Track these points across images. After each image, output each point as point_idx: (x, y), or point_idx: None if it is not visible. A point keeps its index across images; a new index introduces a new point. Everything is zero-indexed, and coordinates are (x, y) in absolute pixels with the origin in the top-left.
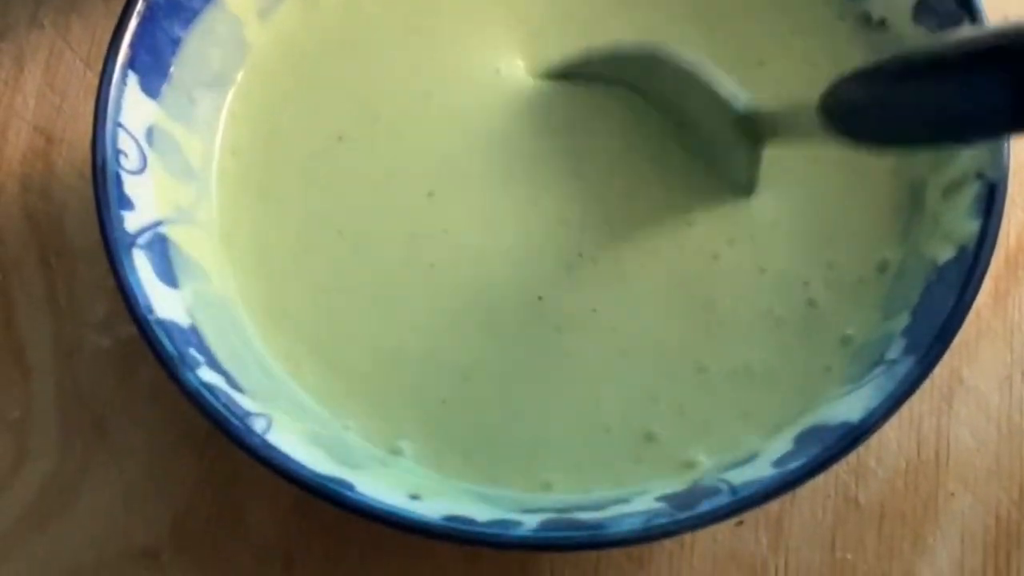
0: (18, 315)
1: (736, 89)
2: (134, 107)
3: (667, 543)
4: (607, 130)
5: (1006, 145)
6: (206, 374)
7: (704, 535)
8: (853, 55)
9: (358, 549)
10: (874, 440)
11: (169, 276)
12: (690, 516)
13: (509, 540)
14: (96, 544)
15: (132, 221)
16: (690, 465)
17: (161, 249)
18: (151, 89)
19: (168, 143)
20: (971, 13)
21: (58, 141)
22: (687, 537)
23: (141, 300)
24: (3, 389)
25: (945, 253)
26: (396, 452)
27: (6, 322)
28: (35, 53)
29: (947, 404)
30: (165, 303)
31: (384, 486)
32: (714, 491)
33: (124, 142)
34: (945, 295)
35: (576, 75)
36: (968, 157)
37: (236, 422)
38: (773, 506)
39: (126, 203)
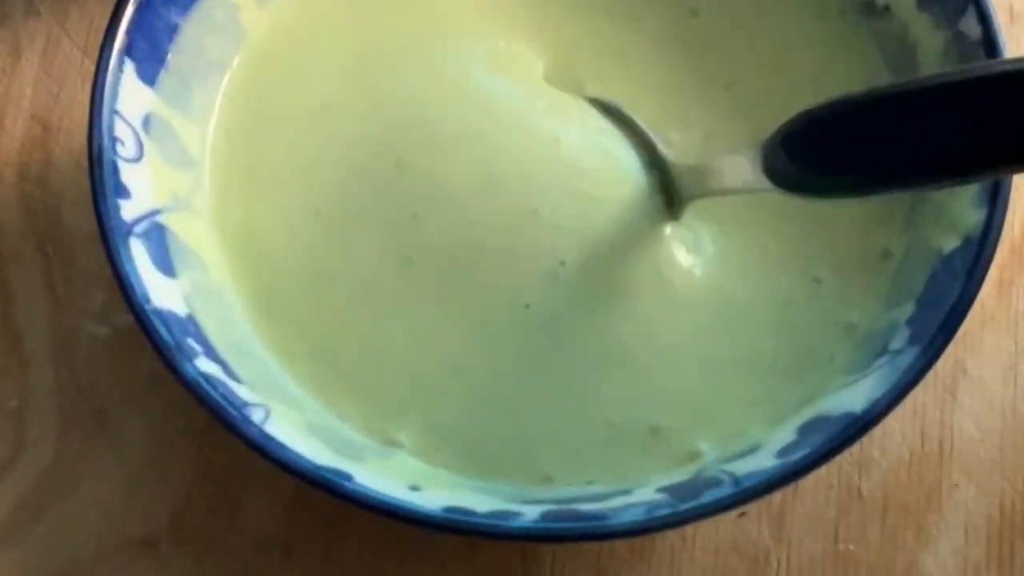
0: (15, 304)
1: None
2: (131, 94)
3: (669, 534)
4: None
5: None
6: (204, 364)
7: (706, 526)
8: (856, 46)
9: (357, 540)
10: (877, 430)
11: (167, 265)
12: (692, 507)
13: (509, 531)
14: (94, 535)
15: (129, 210)
16: (694, 456)
17: (158, 238)
18: (148, 76)
19: (165, 131)
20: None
21: (55, 129)
22: (689, 528)
23: (138, 289)
24: (0, 379)
25: (950, 242)
26: (394, 444)
27: (3, 311)
28: (32, 41)
29: (951, 394)
30: (162, 292)
31: (383, 477)
32: (716, 482)
33: (121, 130)
34: (950, 285)
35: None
36: None
37: (234, 412)
38: (775, 497)
39: (123, 192)
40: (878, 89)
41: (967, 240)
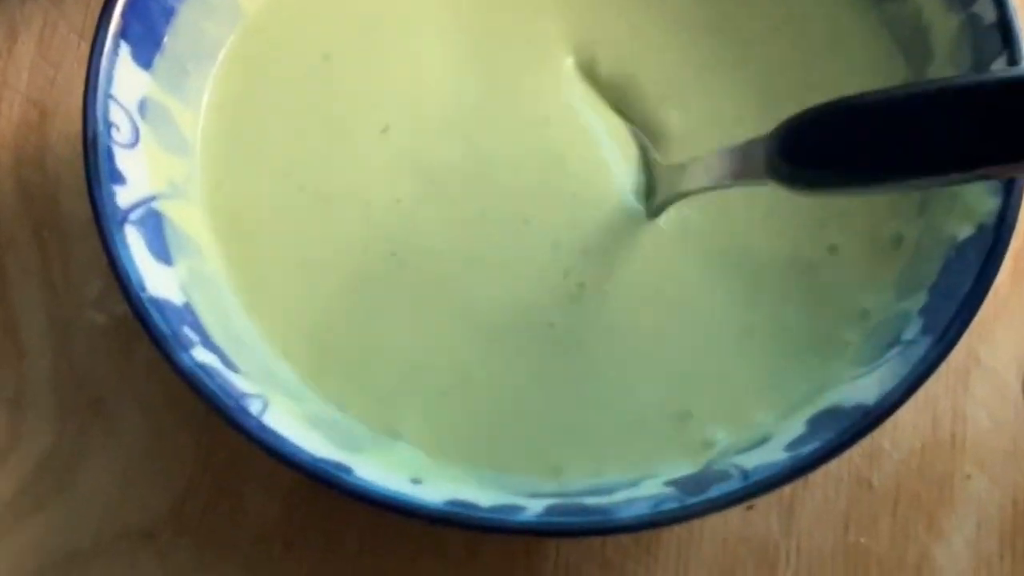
0: (12, 291)
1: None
2: (126, 78)
3: (676, 527)
4: None
5: None
6: (200, 354)
7: (714, 518)
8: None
9: (357, 533)
10: (888, 421)
11: (163, 253)
12: (699, 501)
13: (513, 525)
14: (93, 526)
15: (124, 196)
16: (708, 445)
17: (154, 225)
18: (144, 60)
19: (161, 116)
20: None
21: (52, 114)
22: (696, 520)
23: (133, 277)
24: None
25: (964, 230)
26: (396, 435)
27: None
28: (29, 24)
29: (963, 384)
30: (159, 280)
31: (384, 470)
32: (725, 476)
33: (116, 114)
34: (964, 274)
35: None
36: None
37: (231, 403)
38: (785, 489)
39: (118, 177)
40: (878, 91)
41: (981, 228)
